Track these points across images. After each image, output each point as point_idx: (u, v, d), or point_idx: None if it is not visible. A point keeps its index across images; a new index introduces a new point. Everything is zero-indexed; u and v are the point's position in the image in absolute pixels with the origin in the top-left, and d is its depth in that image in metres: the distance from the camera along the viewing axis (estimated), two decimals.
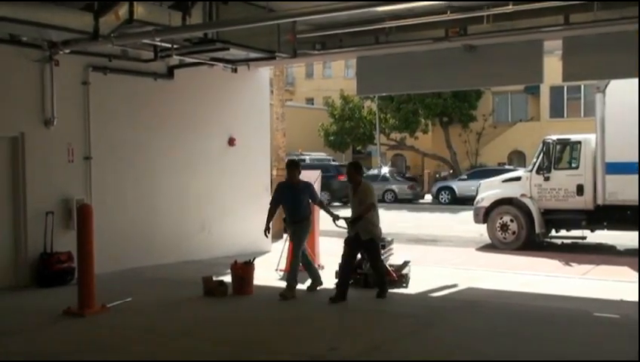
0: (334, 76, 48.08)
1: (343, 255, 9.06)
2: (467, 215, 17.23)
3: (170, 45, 10.44)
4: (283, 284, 9.23)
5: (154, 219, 11.89)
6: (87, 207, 8.50)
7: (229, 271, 9.46)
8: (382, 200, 27.86)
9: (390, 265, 9.89)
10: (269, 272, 10.80)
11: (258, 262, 9.79)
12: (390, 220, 17.90)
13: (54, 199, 10.50)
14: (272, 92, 16.17)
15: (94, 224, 8.27)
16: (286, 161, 11.96)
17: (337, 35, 11.30)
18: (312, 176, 10.54)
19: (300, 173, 9.46)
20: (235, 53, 11.49)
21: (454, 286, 10.10)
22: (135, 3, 8.71)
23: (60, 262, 10.16)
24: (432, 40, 10.74)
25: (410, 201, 30.57)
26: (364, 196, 8.92)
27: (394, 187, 31.15)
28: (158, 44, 10.49)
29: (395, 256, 10.56)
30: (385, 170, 33.08)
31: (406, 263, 10.16)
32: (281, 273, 10.64)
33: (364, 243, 8.98)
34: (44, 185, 10.39)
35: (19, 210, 10.21)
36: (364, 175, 11.41)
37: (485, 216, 15.28)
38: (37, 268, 10.15)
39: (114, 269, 10.50)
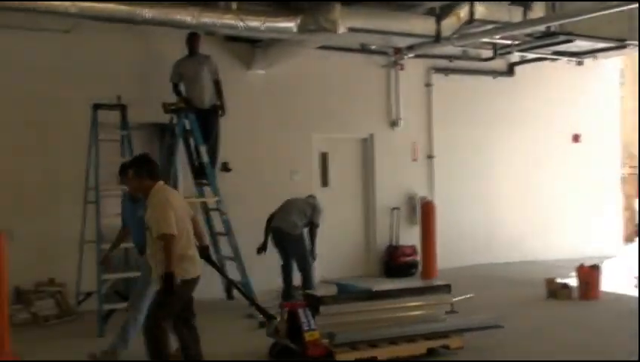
0: None
1: None
2: None
3: (510, 42, 10.33)
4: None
5: (493, 218, 11.86)
6: (429, 204, 8.84)
7: (573, 273, 9.00)
8: None
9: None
10: (618, 278, 9.99)
11: (607, 267, 9.11)
12: None
13: (400, 196, 11.14)
14: (622, 84, 14.94)
15: (436, 220, 8.56)
16: None
17: None
18: None
19: None
20: (579, 44, 10.88)
21: None
22: (475, 3, 8.80)
23: (404, 255, 10.75)
24: None
25: None
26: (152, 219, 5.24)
27: None
28: (498, 41, 10.45)
29: None
30: None
31: None
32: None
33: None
34: (391, 182, 11.08)
35: (369, 205, 11.07)
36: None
37: None
38: (384, 259, 10.89)
39: (455, 265, 10.75)
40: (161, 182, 5.40)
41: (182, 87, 8.69)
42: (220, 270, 6.52)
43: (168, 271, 4.99)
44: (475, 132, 11.76)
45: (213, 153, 8.73)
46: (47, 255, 8.35)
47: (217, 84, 8.83)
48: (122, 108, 8.27)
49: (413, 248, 10.67)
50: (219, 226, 8.80)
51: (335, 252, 10.36)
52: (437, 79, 11.44)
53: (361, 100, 10.89)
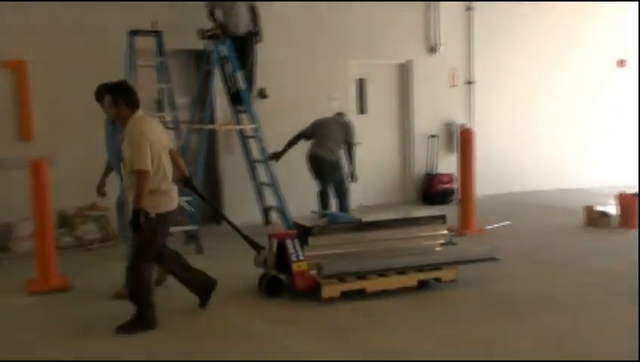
0: None
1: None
2: None
3: None
4: None
5: (533, 145, 11.70)
6: (468, 131, 8.71)
7: (613, 201, 8.88)
8: None
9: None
10: None
11: None
12: None
13: (438, 123, 11.03)
14: None
15: (475, 148, 8.47)
16: None
17: None
18: None
19: None
20: None
21: None
22: None
23: (442, 182, 10.72)
24: None
25: None
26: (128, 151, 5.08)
27: None
28: None
29: None
30: None
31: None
32: None
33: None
34: (429, 109, 10.95)
35: (406, 133, 10.98)
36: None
37: None
38: (421, 187, 10.88)
39: (492, 193, 10.71)
40: (140, 112, 5.17)
41: (218, 13, 8.59)
42: (205, 199, 6.35)
43: (137, 207, 4.85)
44: (516, 58, 11.47)
45: (249, 80, 8.68)
46: (89, 181, 8.48)
47: (254, 10, 8.71)
48: (158, 34, 8.23)
49: (450, 176, 10.63)
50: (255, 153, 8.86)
51: (372, 179, 10.38)
52: (478, 3, 11.09)
53: (399, 25, 10.65)
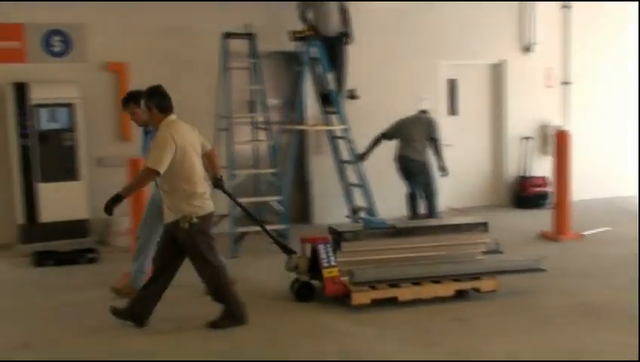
0: None
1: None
2: None
3: None
4: None
5: (634, 148, 11.18)
6: (564, 133, 8.42)
7: None
8: None
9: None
10: None
11: None
12: None
13: (532, 124, 10.72)
14: None
15: (571, 150, 8.19)
16: None
17: None
18: None
19: None
20: None
21: None
22: None
23: (535, 185, 10.41)
24: None
25: None
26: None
27: None
28: None
29: None
30: None
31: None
32: None
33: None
34: (523, 110, 10.66)
35: (498, 134, 10.74)
36: None
37: None
38: (514, 190, 10.60)
39: (590, 197, 10.31)
40: (172, 116, 5.18)
41: (309, 15, 8.67)
42: (235, 199, 6.18)
43: (120, 194, 4.96)
44: (616, 57, 11.00)
45: (339, 81, 8.71)
46: None
47: (344, 11, 8.73)
48: (251, 36, 8.39)
49: (544, 179, 10.29)
50: (344, 154, 8.88)
51: (462, 181, 10.20)
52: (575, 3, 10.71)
53: (492, 25, 10.42)
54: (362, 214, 8.58)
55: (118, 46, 8.57)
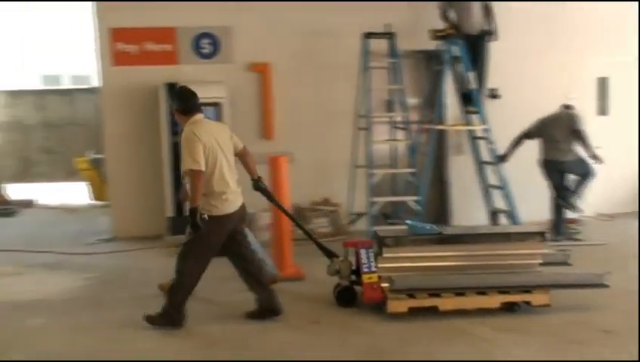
0: None
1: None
2: None
3: None
4: None
5: None
6: None
7: None
8: None
9: None
10: None
11: None
12: None
13: None
14: None
15: None
16: None
17: None
18: None
19: None
20: None
21: None
22: None
23: None
24: None
25: None
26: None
27: None
28: None
29: None
30: None
31: None
32: None
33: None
34: None
35: None
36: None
37: None
38: None
39: None
40: (196, 116, 5.18)
41: (451, 14, 8.53)
42: (275, 201, 6.03)
43: (192, 207, 4.91)
44: None
45: (480, 80, 8.52)
46: (322, 177, 8.95)
47: (488, 8, 8.52)
48: (391, 36, 8.39)
49: None
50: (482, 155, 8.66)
51: (613, 186, 9.61)
52: None
53: None
54: (502, 217, 8.35)
55: (261, 47, 8.86)
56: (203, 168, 4.97)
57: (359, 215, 8.54)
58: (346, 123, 8.68)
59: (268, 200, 5.95)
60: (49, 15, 21.60)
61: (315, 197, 8.75)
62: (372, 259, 5.57)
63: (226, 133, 5.31)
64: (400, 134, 8.76)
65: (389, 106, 8.93)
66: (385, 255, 5.58)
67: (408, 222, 6.01)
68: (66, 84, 21.43)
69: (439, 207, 9.40)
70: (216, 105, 8.42)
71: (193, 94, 5.27)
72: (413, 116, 8.92)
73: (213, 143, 5.09)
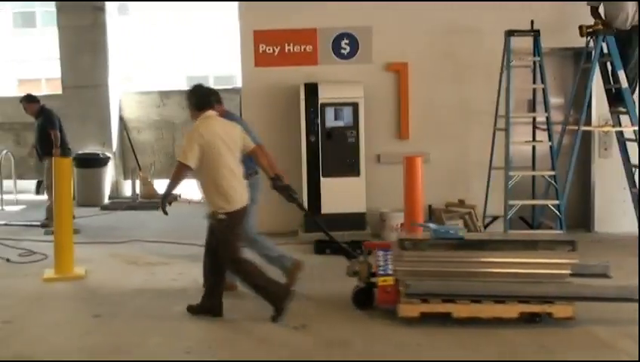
0: None
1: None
2: None
3: None
4: None
5: None
6: None
7: None
8: None
9: None
10: None
11: None
12: None
13: None
14: None
15: None
16: None
17: None
18: None
19: None
20: None
21: None
22: None
23: None
24: None
25: None
26: None
27: None
28: None
29: None
30: None
31: None
32: None
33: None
34: None
35: None
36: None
37: None
38: None
39: None
40: (207, 113, 5.42)
41: (601, 9, 8.09)
42: (297, 200, 5.91)
43: (165, 193, 5.44)
44: None
45: (631, 78, 8.01)
46: (458, 178, 8.79)
47: None
48: (535, 33, 8.09)
49: None
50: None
51: None
52: None
53: None
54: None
55: (399, 46, 8.82)
56: (191, 165, 5.27)
57: (495, 218, 8.30)
58: (485, 123, 8.45)
59: (287, 200, 5.85)
60: (197, 17, 22.76)
61: (450, 199, 8.60)
62: (389, 262, 5.54)
63: (235, 132, 5.52)
64: (541, 135, 8.42)
65: (531, 106, 8.62)
66: (404, 258, 5.46)
67: (430, 225, 5.86)
68: (211, 85, 22.39)
69: (582, 212, 8.95)
70: (353, 104, 8.51)
71: (206, 91, 5.61)
72: (556, 116, 8.54)
73: (217, 141, 5.30)
